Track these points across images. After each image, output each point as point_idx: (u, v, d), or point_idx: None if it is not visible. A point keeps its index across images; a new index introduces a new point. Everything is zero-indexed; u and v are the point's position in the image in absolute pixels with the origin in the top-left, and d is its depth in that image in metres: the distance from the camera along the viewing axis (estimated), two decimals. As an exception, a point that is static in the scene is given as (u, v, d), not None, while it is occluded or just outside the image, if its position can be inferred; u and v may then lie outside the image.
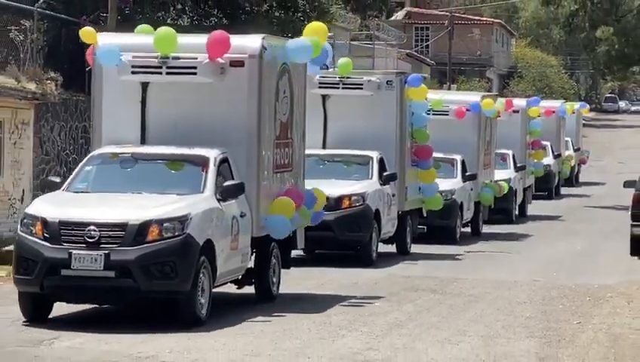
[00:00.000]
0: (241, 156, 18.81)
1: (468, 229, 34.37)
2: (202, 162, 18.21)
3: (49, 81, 31.27)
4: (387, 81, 27.42)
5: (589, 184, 54.93)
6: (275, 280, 19.71)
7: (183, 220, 16.62)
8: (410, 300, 20.46)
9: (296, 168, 20.65)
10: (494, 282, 23.29)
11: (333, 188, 24.96)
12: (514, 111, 38.76)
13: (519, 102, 41.00)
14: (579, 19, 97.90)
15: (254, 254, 19.44)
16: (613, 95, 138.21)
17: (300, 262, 23.88)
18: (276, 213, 19.12)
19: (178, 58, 18.65)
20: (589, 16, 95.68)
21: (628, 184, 29.32)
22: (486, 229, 35.05)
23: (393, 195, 27.17)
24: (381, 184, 26.43)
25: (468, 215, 33.56)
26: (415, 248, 28.72)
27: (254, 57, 18.83)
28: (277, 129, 19.58)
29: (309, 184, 22.60)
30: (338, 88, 27.25)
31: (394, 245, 28.34)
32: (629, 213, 28.34)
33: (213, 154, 18.38)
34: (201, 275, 16.76)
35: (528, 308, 19.75)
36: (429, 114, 30.75)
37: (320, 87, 27.18)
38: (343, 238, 25.49)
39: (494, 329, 17.49)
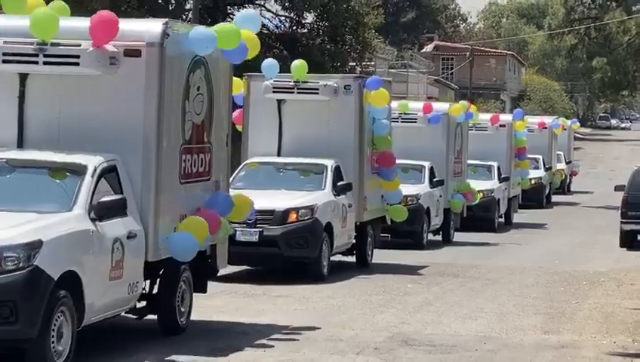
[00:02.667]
0: (136, 164, 12.73)
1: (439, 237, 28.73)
2: (78, 172, 12.19)
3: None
4: (345, 86, 21.44)
5: (579, 192, 50.96)
6: (183, 309, 13.57)
7: (29, 248, 10.79)
8: (437, 283, 20.16)
9: (217, 177, 14.41)
10: (506, 268, 22.84)
11: (280, 200, 19.73)
12: (500, 126, 34.49)
13: (505, 117, 36.70)
14: (578, 52, 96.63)
15: (159, 279, 13.44)
16: (606, 114, 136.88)
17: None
18: (181, 231, 13.15)
19: (58, 45, 12.62)
20: (587, 48, 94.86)
21: (618, 188, 29.54)
22: (464, 237, 29.04)
23: (350, 206, 21.01)
24: (335, 194, 20.41)
25: (436, 221, 27.72)
26: (379, 256, 22.85)
27: (153, 45, 12.81)
28: (187, 132, 13.41)
29: (258, 195, 18.30)
30: (293, 93, 21.30)
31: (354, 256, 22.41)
32: (619, 211, 28.36)
33: (93, 161, 12.29)
34: (57, 316, 10.94)
35: (535, 290, 19.52)
36: (397, 121, 26.23)
37: (274, 92, 21.34)
38: (289, 255, 19.42)
39: (507, 307, 17.32)
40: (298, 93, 21.30)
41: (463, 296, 18.66)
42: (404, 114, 27.81)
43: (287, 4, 45.56)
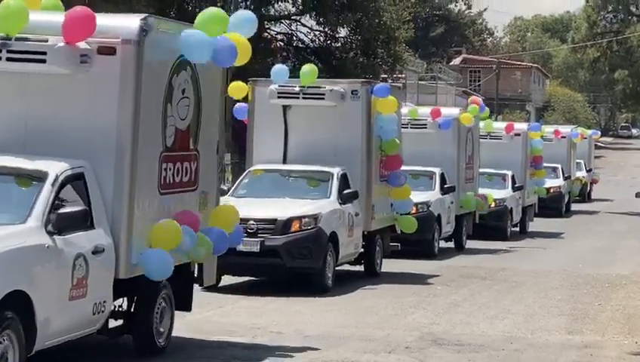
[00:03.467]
0: (108, 171, 11.04)
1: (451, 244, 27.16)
2: (37, 179, 10.55)
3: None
4: (352, 91, 19.85)
5: (600, 200, 49.24)
6: (162, 329, 11.89)
7: None
8: (465, 285, 19.99)
9: (205, 187, 12.61)
10: (531, 271, 22.44)
11: (283, 209, 17.95)
12: (515, 135, 32.59)
13: (520, 126, 34.61)
14: (600, 64, 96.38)
15: (135, 296, 11.72)
16: (627, 124, 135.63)
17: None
18: (155, 246, 11.36)
19: (25, 40, 10.95)
20: (609, 61, 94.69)
21: (638, 194, 29.86)
22: (476, 244, 27.67)
23: (356, 214, 19.34)
24: (341, 203, 18.72)
25: (448, 228, 26.03)
26: (389, 265, 21.32)
27: (130, 43, 11.14)
28: (169, 138, 11.71)
29: (260, 203, 17.98)
30: (298, 98, 19.78)
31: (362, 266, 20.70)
32: None
33: (55, 168, 10.61)
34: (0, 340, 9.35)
35: (559, 292, 19.30)
36: (406, 127, 24.88)
37: (279, 97, 19.81)
38: (292, 265, 17.65)
39: (532, 308, 17.14)
40: (304, 98, 19.82)
41: (491, 297, 18.42)
42: (414, 120, 26.34)
43: (321, 19, 45.60)
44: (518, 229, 32.63)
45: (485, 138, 30.03)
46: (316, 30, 47.20)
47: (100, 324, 11.16)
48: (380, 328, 14.72)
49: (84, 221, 10.49)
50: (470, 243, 27.75)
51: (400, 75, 57.06)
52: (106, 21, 11.38)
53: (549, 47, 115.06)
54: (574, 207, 43.92)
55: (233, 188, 19.51)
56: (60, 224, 10.21)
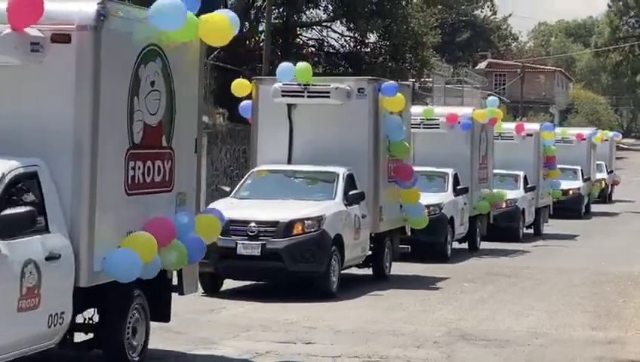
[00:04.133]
0: (65, 170, 9.71)
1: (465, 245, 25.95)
2: None
3: (218, 115, 31.73)
4: (359, 89, 18.54)
5: (621, 201, 47.75)
6: (135, 342, 10.55)
7: None
8: (491, 282, 19.81)
9: (182, 188, 11.24)
10: (555, 269, 22.16)
11: (285, 210, 16.72)
12: (527, 135, 30.97)
13: (532, 126, 32.88)
14: (623, 68, 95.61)
15: (105, 308, 10.44)
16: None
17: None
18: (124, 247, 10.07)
19: None
20: (631, 65, 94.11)
21: None
22: (487, 246, 26.47)
23: (363, 216, 18.03)
24: (346, 204, 17.43)
25: (461, 230, 24.54)
26: (398, 268, 20.18)
27: (86, 29, 9.75)
28: (136, 134, 10.33)
29: (262, 205, 16.99)
30: (303, 97, 18.47)
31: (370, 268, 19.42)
32: None
33: (2, 167, 9.30)
34: None
35: (582, 289, 19.13)
36: (419, 127, 23.78)
37: (283, 96, 18.53)
38: (294, 269, 16.39)
39: (556, 305, 17.01)
40: (308, 96, 18.50)
41: (515, 294, 18.23)
42: (427, 119, 24.87)
43: (351, 25, 45.41)
44: (532, 231, 31.23)
45: (497, 139, 28.58)
46: (346, 36, 46.98)
47: (59, 338, 9.75)
48: (409, 323, 14.63)
49: (31, 224, 9.15)
50: (482, 245, 26.58)
51: (427, 79, 56.97)
52: (60, 6, 9.94)
53: (572, 51, 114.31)
54: (595, 208, 42.50)
55: (236, 189, 18.35)
56: (3, 227, 8.88)
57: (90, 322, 10.63)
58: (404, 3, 44.63)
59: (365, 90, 18.74)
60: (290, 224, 16.48)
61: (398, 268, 20.39)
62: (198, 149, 11.84)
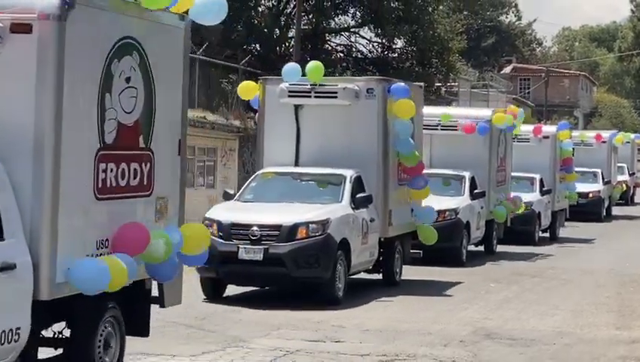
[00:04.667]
0: (25, 173, 8.59)
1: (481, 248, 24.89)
2: None
3: (249, 119, 31.76)
4: (367, 89, 17.55)
5: None
6: (108, 358, 9.45)
7: None
8: (516, 282, 19.62)
9: (163, 192, 10.05)
10: (579, 270, 21.94)
11: (289, 214, 15.69)
12: (544, 137, 29.77)
13: (549, 128, 31.60)
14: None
15: (73, 322, 9.30)
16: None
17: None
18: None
19: None
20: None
21: None
22: (503, 249, 25.41)
23: (372, 220, 17.00)
24: (353, 208, 16.42)
25: (477, 234, 23.40)
26: (410, 273, 19.25)
27: (49, 19, 8.62)
28: (107, 134, 9.14)
29: (266, 208, 16.06)
30: (310, 97, 17.54)
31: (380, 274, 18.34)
32: None
33: None
34: None
35: (607, 290, 18.89)
36: (436, 129, 22.80)
37: (290, 96, 17.61)
38: (298, 275, 15.37)
39: (581, 305, 16.81)
40: (315, 97, 17.54)
41: (540, 294, 18.04)
42: (444, 122, 23.76)
43: (379, 31, 45.43)
44: (547, 235, 29.90)
45: (513, 141, 27.27)
46: (374, 41, 47.00)
47: (14, 356, 8.55)
48: (436, 323, 14.49)
49: None
50: (497, 248, 25.44)
51: (453, 84, 56.79)
52: None
53: (596, 55, 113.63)
54: (616, 210, 41.29)
55: (240, 192, 17.33)
56: None
57: (61, 336, 9.49)
58: (430, 9, 44.58)
59: (374, 90, 17.75)
60: (294, 228, 15.43)
61: (417, 273, 19.84)
62: (182, 151, 10.59)
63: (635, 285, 19.74)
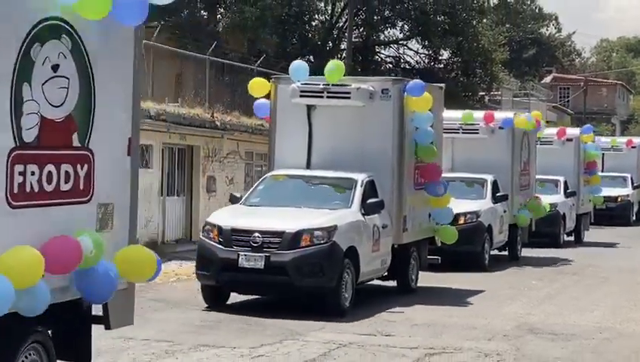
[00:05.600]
0: None
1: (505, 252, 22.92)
2: None
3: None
4: (383, 90, 15.78)
5: None
6: None
7: None
8: (557, 280, 19.15)
9: (106, 198, 8.05)
10: (617, 268, 21.48)
11: (293, 220, 13.88)
12: (567, 140, 28.04)
13: (573, 131, 29.57)
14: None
15: None
16: None
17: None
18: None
19: None
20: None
21: None
22: (528, 252, 23.78)
23: (384, 226, 15.16)
24: (363, 214, 14.59)
25: (500, 238, 21.56)
26: (428, 279, 17.63)
27: None
28: (27, 131, 7.18)
29: (270, 213, 14.24)
30: (322, 97, 15.76)
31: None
32: None
33: None
34: None
35: None
36: (457, 132, 21.28)
37: (302, 96, 15.80)
38: (301, 284, 13.57)
39: (619, 302, 16.45)
40: (328, 97, 15.69)
41: (580, 291, 17.66)
42: (466, 124, 21.98)
43: (426, 43, 45.41)
44: (572, 238, 28.08)
45: (536, 144, 25.42)
46: (421, 53, 46.88)
47: None
48: (481, 318, 14.21)
49: None
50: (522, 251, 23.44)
51: (496, 93, 56.49)
52: None
53: (632, 65, 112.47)
54: None
55: (247, 195, 15.39)
56: None
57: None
58: (474, 22, 44.47)
59: (390, 90, 15.84)
60: (298, 235, 13.57)
61: (441, 279, 18.35)
62: (134, 151, 8.44)
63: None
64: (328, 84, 15.80)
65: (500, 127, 21.92)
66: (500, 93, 59.82)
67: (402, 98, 15.91)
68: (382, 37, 46.03)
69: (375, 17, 43.45)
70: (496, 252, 21.91)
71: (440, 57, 46.53)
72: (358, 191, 14.80)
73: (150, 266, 7.98)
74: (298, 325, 13.01)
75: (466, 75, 45.48)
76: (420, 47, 46.35)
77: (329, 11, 44.60)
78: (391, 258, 15.73)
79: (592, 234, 29.30)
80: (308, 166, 15.90)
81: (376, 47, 45.82)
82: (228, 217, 14.12)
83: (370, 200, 14.79)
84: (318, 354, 11.21)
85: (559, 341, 12.65)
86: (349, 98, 15.73)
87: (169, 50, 29.53)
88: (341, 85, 15.78)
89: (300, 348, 11.59)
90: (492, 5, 50.05)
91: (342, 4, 43.57)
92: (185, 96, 26.25)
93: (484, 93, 48.12)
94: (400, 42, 46.80)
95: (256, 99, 17.14)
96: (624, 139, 38.86)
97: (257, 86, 16.81)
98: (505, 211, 21.67)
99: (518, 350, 11.91)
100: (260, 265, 13.50)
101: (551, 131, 28.36)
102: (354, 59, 37.75)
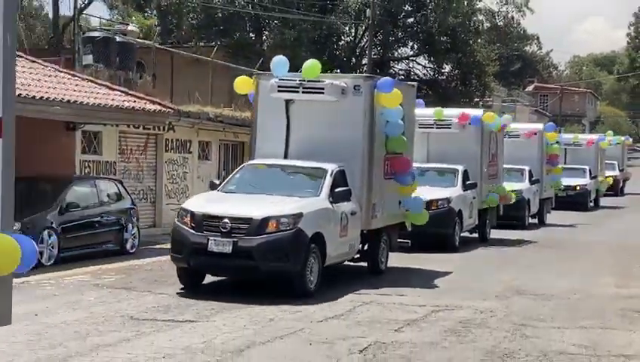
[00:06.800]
0: None
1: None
2: None
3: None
4: (355, 86, 13.96)
5: (632, 194, 42.78)
6: None
7: None
8: (538, 251, 18.76)
9: None
10: (587, 242, 20.98)
11: (261, 207, 12.05)
12: (533, 134, 26.88)
13: (537, 126, 28.36)
14: (639, 89, 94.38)
15: None
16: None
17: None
18: None
19: None
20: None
21: None
22: (496, 234, 22.07)
23: (353, 213, 13.27)
24: (332, 201, 12.77)
25: (470, 222, 19.91)
26: (399, 259, 15.89)
27: None
28: None
29: (240, 200, 12.37)
30: (298, 92, 13.96)
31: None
32: None
33: None
34: None
35: (610, 257, 18.13)
36: (432, 127, 19.59)
37: (280, 91, 14.01)
38: (267, 269, 11.70)
39: (589, 269, 16.09)
40: (303, 92, 13.86)
41: (557, 261, 17.42)
42: (440, 120, 20.31)
43: (431, 58, 45.52)
44: (536, 221, 26.48)
45: (504, 138, 23.69)
46: (427, 67, 46.91)
47: None
48: (476, 281, 14.17)
49: None
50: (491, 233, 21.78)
51: (488, 99, 56.31)
52: None
53: (599, 77, 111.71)
54: (606, 201, 37.30)
55: (224, 182, 13.54)
56: None
57: None
58: (471, 42, 44.38)
59: (361, 87, 13.94)
60: (264, 221, 11.72)
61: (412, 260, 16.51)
62: (7, 134, 5.27)
63: (631, 253, 19.22)
64: (304, 80, 13.88)
65: (470, 123, 20.42)
66: (491, 99, 59.73)
67: (373, 94, 13.95)
68: (395, 54, 46.05)
69: (390, 38, 43.50)
70: (467, 234, 20.37)
71: (443, 70, 46.46)
72: (327, 181, 12.95)
73: (8, 257, 5.16)
74: (331, 287, 12.89)
75: (463, 84, 45.38)
76: (427, 62, 46.37)
77: (353, 33, 44.65)
78: (362, 242, 14.00)
79: (555, 217, 27.87)
80: (285, 156, 13.99)
81: (391, 62, 45.84)
82: (201, 203, 12.26)
83: (338, 189, 12.91)
84: (345, 311, 11.10)
85: (540, 300, 12.52)
86: (322, 93, 13.82)
87: (224, 66, 29.71)
88: (316, 81, 13.89)
89: (331, 305, 11.57)
90: (485, 28, 49.87)
91: (363, 27, 43.55)
92: (237, 102, 26.33)
93: (478, 100, 48.08)
94: (410, 58, 46.81)
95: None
96: (585, 137, 37.57)
97: (241, 84, 14.88)
98: (474, 197, 19.97)
99: (507, 307, 11.79)
100: (228, 249, 11.68)
101: (519, 126, 27.08)
102: (373, 72, 37.69)
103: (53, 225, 14.52)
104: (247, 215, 11.79)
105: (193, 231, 11.86)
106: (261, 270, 11.70)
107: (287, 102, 14.05)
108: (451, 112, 20.62)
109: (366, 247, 14.27)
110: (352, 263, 14.21)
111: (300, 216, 11.91)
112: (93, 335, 9.17)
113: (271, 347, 8.82)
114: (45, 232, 14.35)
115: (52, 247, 14.45)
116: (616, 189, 41.03)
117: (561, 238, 21.54)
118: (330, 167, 13.23)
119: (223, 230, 11.75)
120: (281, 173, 13.51)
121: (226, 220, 11.79)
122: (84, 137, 19.38)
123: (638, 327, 10.67)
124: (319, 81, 13.89)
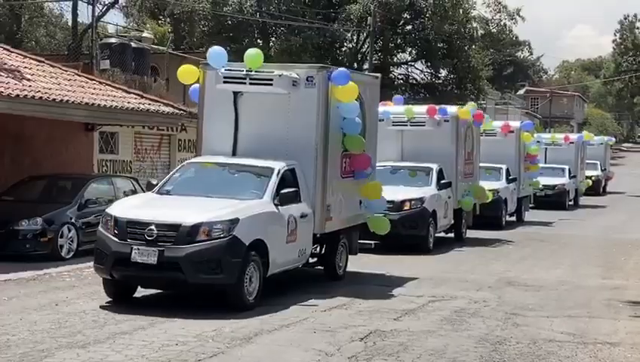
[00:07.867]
0: None
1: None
2: None
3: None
4: (308, 77, 11.76)
5: (613, 193, 40.87)
6: None
7: None
8: (528, 245, 18.72)
9: None
10: (574, 236, 20.81)
11: (192, 212, 9.92)
12: (510, 132, 24.51)
13: (514, 124, 25.96)
14: (624, 93, 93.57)
15: None
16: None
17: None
18: None
19: None
20: (630, 90, 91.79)
21: None
22: (473, 233, 20.34)
23: (303, 216, 11.23)
24: (277, 204, 10.71)
25: (445, 222, 18.09)
26: (362, 264, 14.06)
27: None
28: None
29: (177, 203, 10.33)
30: (245, 84, 11.66)
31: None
32: None
33: None
34: None
35: (595, 250, 18.07)
36: (405, 125, 18.07)
37: (225, 82, 11.75)
38: (197, 281, 9.60)
39: (576, 261, 16.06)
40: (251, 83, 11.67)
41: (547, 253, 17.37)
42: (413, 118, 18.47)
43: (428, 63, 45.52)
44: (514, 219, 24.71)
45: (481, 135, 21.85)
46: (425, 72, 46.91)
47: None
48: (470, 273, 14.11)
49: None
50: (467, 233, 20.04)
51: (482, 102, 56.29)
52: None
53: (586, 81, 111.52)
54: (586, 200, 35.08)
55: (161, 183, 11.40)
56: None
57: None
58: (466, 48, 44.38)
59: (314, 78, 11.78)
60: (195, 228, 9.65)
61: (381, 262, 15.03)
62: None
63: (615, 247, 18.90)
64: (251, 70, 11.70)
65: (446, 120, 18.71)
66: (485, 102, 59.60)
67: (327, 86, 11.83)
68: (395, 59, 46.00)
69: (390, 44, 43.46)
70: (442, 234, 18.66)
71: (439, 75, 46.42)
72: (273, 181, 10.92)
73: None
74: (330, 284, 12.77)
75: (459, 88, 45.33)
76: (424, 67, 46.31)
77: (355, 40, 44.64)
78: (318, 246, 12.16)
79: (534, 215, 26.25)
80: (234, 153, 11.85)
81: (391, 67, 45.83)
82: (127, 208, 10.17)
83: (284, 190, 10.87)
84: (343, 302, 10.96)
85: (530, 291, 12.47)
86: (271, 85, 11.64)
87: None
88: (264, 72, 11.73)
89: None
90: (480, 35, 49.80)
91: (365, 34, 43.54)
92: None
93: (473, 102, 48.02)
94: (409, 63, 46.78)
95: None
96: (562, 135, 35.51)
97: (186, 73, 12.42)
98: (449, 197, 18.07)
99: (500, 298, 11.75)
100: (153, 260, 9.60)
101: (496, 124, 24.90)
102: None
103: (73, 221, 14.53)
104: (175, 221, 9.67)
105: (116, 239, 9.77)
106: (190, 283, 9.58)
107: (236, 94, 11.90)
108: (422, 109, 18.67)
109: (323, 252, 12.24)
110: (307, 268, 12.25)
111: (235, 221, 9.79)
112: (110, 323, 9.12)
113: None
114: (65, 227, 14.35)
115: (72, 241, 14.43)
116: (597, 189, 39.06)
117: (545, 234, 21.29)
118: (278, 166, 11.13)
119: (148, 238, 9.63)
120: (225, 172, 11.40)
121: (152, 227, 9.68)
122: (101, 138, 19.42)
123: (622, 316, 10.61)
124: (268, 72, 11.69)
